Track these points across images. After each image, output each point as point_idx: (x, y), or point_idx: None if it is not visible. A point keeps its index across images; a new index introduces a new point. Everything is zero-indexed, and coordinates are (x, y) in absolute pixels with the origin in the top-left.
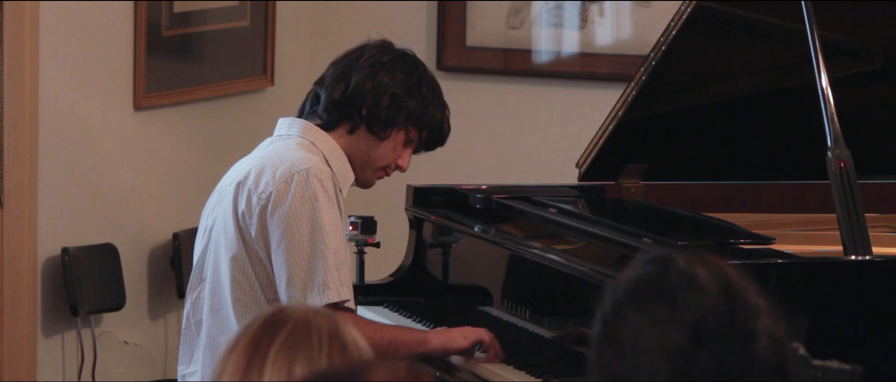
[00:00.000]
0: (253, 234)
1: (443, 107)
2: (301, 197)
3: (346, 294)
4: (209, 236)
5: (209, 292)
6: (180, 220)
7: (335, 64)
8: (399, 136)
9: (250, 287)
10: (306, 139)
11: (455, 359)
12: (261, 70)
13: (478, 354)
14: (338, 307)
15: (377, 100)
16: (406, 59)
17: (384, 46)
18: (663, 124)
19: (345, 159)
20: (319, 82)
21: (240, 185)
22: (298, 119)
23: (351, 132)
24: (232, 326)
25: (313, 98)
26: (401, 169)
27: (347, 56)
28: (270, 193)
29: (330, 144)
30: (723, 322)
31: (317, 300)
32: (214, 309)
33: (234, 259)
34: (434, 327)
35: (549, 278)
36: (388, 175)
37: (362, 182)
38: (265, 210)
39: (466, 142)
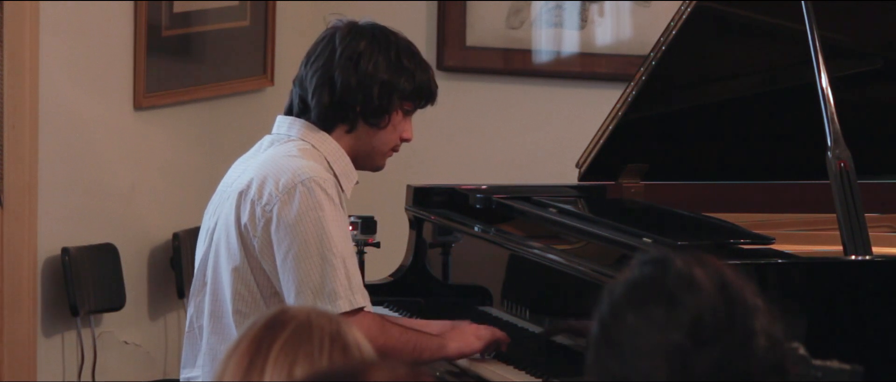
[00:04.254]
0: (257, 247)
1: (426, 68)
2: (306, 208)
3: (360, 300)
4: (211, 239)
5: (210, 299)
6: (180, 220)
7: (310, 62)
8: (397, 116)
9: (252, 298)
10: (307, 142)
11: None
12: (261, 70)
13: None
14: (354, 314)
15: (368, 94)
16: (378, 38)
17: (353, 31)
18: (663, 124)
19: (347, 160)
20: (298, 83)
21: (242, 195)
22: (298, 119)
23: (350, 131)
24: (232, 335)
25: (299, 102)
26: (407, 140)
27: (321, 53)
28: (274, 206)
29: (332, 146)
30: (721, 322)
31: (328, 310)
32: (216, 316)
33: (235, 270)
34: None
35: (549, 278)
36: (397, 151)
37: (374, 167)
38: (270, 223)
39: (466, 142)
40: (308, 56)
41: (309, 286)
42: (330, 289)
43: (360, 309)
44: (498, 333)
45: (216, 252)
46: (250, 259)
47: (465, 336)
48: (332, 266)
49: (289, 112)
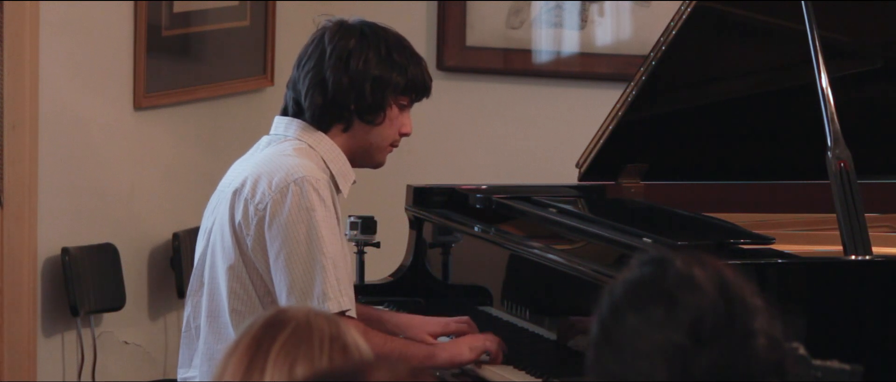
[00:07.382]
0: (250, 245)
1: (419, 61)
2: (297, 208)
3: (347, 304)
4: (208, 238)
5: (207, 299)
6: (180, 220)
7: (302, 64)
8: (392, 111)
9: (248, 297)
10: (303, 142)
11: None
12: (261, 70)
13: (484, 357)
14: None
15: (360, 92)
16: (367, 35)
17: (342, 30)
18: (663, 124)
19: (344, 159)
20: (291, 86)
21: (236, 194)
22: (295, 119)
23: (346, 130)
24: (229, 335)
25: (294, 105)
26: (406, 134)
27: (311, 54)
28: (267, 204)
29: (328, 145)
30: (721, 322)
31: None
32: (212, 316)
33: (231, 268)
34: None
35: (549, 278)
36: (397, 146)
37: (374, 164)
38: (263, 221)
39: (466, 142)
40: (299, 58)
41: (299, 286)
42: (320, 291)
43: (344, 314)
44: (491, 344)
45: (213, 251)
46: (245, 257)
47: (458, 345)
48: (322, 267)
49: (284, 114)
